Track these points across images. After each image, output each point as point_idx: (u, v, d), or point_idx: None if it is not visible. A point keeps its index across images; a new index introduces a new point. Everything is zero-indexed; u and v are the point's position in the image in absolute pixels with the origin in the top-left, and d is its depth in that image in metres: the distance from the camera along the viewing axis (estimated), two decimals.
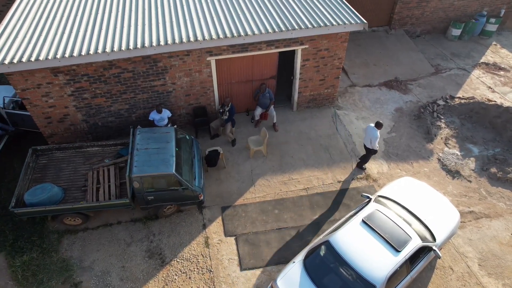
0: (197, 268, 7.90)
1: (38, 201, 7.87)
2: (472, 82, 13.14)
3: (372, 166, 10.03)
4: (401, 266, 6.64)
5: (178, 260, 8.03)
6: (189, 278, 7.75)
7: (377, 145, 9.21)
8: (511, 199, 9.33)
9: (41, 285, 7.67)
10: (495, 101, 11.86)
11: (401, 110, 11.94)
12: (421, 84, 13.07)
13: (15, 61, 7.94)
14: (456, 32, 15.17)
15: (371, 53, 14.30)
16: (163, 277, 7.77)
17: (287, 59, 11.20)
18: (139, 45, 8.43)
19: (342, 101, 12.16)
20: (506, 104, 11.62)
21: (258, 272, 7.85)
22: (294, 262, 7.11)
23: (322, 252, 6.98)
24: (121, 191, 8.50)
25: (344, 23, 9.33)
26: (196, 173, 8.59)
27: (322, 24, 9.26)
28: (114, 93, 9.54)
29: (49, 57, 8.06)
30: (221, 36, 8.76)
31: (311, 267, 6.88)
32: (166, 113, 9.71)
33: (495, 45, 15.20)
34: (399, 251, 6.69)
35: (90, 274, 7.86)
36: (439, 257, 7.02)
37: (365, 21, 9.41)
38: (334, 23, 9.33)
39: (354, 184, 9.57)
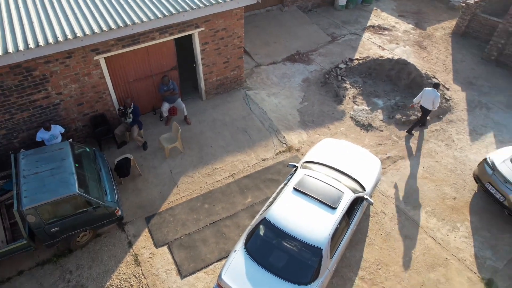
0: None
1: None
2: (365, 44, 13.98)
3: (292, 137, 9.99)
4: (340, 222, 6.59)
5: None
6: None
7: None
8: (416, 138, 10.07)
9: None
10: (386, 57, 12.74)
11: (308, 80, 12.16)
12: (321, 53, 13.50)
13: None
14: (342, 1, 16.10)
15: (270, 32, 14.37)
16: None
17: (185, 46, 10.54)
18: (0, 52, 6.95)
19: (251, 81, 11.96)
20: (396, 57, 12.54)
21: (201, 274, 7.18)
22: (235, 250, 6.61)
23: (261, 232, 6.61)
24: (13, 233, 7.01)
25: None
26: (107, 187, 7.50)
27: (214, 2, 8.80)
28: None
29: None
30: (104, 28, 7.71)
31: (254, 250, 6.46)
32: (58, 129, 8.38)
33: (376, 9, 16.45)
34: (335, 208, 6.63)
35: None
36: (372, 204, 7.17)
37: None
38: None
39: (278, 158, 9.40)
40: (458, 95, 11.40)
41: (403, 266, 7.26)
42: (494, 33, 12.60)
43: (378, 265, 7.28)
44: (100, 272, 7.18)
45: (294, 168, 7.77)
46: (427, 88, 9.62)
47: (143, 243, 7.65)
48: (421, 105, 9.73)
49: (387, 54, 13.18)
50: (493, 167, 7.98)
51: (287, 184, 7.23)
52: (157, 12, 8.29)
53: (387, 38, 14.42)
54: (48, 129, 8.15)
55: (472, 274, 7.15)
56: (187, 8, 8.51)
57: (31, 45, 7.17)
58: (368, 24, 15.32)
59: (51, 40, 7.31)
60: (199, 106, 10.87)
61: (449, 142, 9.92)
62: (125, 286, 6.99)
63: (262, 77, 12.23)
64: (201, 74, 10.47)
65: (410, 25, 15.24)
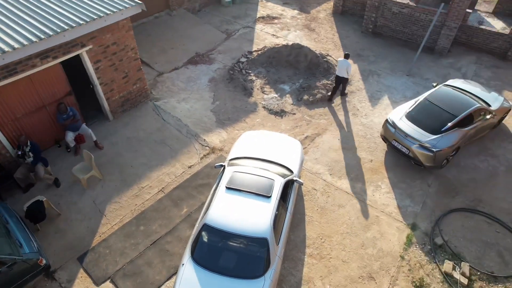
0: None
1: None
2: (259, 35, 14.52)
3: (213, 138, 9.98)
4: (277, 209, 6.81)
5: None
6: None
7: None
8: (326, 114, 10.88)
9: None
10: (282, 44, 13.42)
11: (214, 79, 12.22)
12: (220, 50, 13.66)
13: None
14: None
15: (164, 39, 14.03)
16: None
17: (77, 68, 9.71)
18: None
19: (157, 91, 11.57)
20: (290, 43, 13.30)
21: None
22: (183, 264, 6.42)
23: (205, 238, 6.52)
24: None
25: (120, 9, 8.57)
26: (20, 239, 6.59)
27: (96, 17, 8.25)
28: None
29: None
30: None
31: (202, 258, 6.35)
32: None
33: (262, 1, 17.16)
34: (269, 197, 6.83)
35: None
36: (302, 184, 7.55)
37: (140, 1, 8.88)
38: (109, 12, 8.46)
39: (204, 162, 9.32)
40: (352, 68, 12.57)
41: (343, 233, 7.84)
42: (366, 9, 14.17)
43: (321, 239, 7.74)
44: None
45: (222, 168, 7.78)
46: (340, 58, 10.75)
47: (82, 285, 6.96)
48: (336, 75, 10.84)
49: (281, 41, 13.89)
50: (394, 125, 9.02)
51: (219, 185, 7.22)
52: (30, 36, 7.45)
53: (278, 26, 15.19)
54: None
55: (399, 223, 8.03)
56: (66, 27, 7.83)
57: None
58: (258, 15, 15.94)
59: None
60: (108, 127, 10.16)
61: (354, 112, 10.93)
62: None
63: (168, 85, 11.93)
64: (101, 94, 9.78)
65: (296, 11, 16.27)
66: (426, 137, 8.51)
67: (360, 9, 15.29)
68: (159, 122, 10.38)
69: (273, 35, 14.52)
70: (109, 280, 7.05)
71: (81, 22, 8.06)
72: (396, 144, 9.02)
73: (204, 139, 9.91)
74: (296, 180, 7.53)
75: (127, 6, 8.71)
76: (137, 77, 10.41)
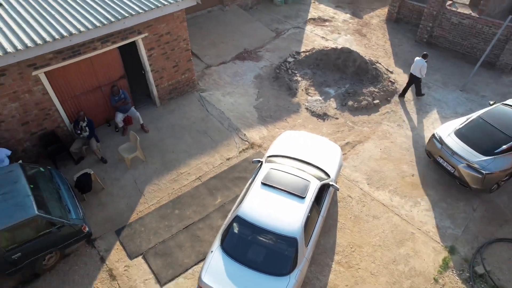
0: None
1: None
2: (309, 36, 14.47)
3: (253, 134, 10.12)
4: (310, 211, 6.81)
5: None
6: None
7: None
8: (370, 122, 10.65)
9: None
10: (331, 47, 13.29)
11: (260, 76, 12.35)
12: (269, 48, 13.76)
13: None
14: None
15: (215, 33, 14.36)
16: None
17: (132, 54, 10.22)
18: None
19: (203, 83, 11.89)
20: (340, 46, 13.13)
21: (181, 279, 7.09)
22: (212, 251, 6.60)
23: (235, 229, 6.66)
24: None
25: (176, 1, 8.91)
26: (69, 205, 7.13)
27: (153, 7, 8.64)
28: None
29: None
30: (38, 42, 7.25)
31: (231, 248, 6.50)
32: (3, 152, 7.78)
33: (314, 2, 17.06)
34: (304, 197, 6.84)
35: None
36: (338, 189, 7.48)
37: None
38: (166, 3, 8.83)
39: (242, 156, 9.48)
40: (401, 77, 12.22)
41: (375, 245, 7.66)
42: (422, 18, 13.65)
43: (351, 248, 7.63)
44: None
45: (259, 164, 7.88)
46: (417, 57, 10.74)
47: (116, 256, 7.38)
48: (410, 73, 10.85)
49: (331, 44, 13.75)
50: (441, 141, 8.66)
51: (255, 180, 7.33)
52: (95, 21, 7.98)
53: (329, 29, 15.04)
54: None
55: (436, 244, 7.69)
56: (126, 15, 8.28)
57: None
58: (309, 17, 15.87)
59: None
60: (154, 113, 10.62)
61: (400, 123, 10.61)
62: None
63: (214, 78, 12.22)
64: (151, 81, 10.23)
65: (348, 15, 16.02)
66: (475, 157, 8.09)
67: (416, 17, 14.77)
68: (203, 112, 10.69)
69: (323, 37, 14.41)
70: (141, 256, 7.41)
71: (140, 10, 8.48)
72: (441, 161, 8.66)
73: (245, 134, 10.08)
74: (332, 185, 7.48)
75: None
76: (186, 68, 10.77)
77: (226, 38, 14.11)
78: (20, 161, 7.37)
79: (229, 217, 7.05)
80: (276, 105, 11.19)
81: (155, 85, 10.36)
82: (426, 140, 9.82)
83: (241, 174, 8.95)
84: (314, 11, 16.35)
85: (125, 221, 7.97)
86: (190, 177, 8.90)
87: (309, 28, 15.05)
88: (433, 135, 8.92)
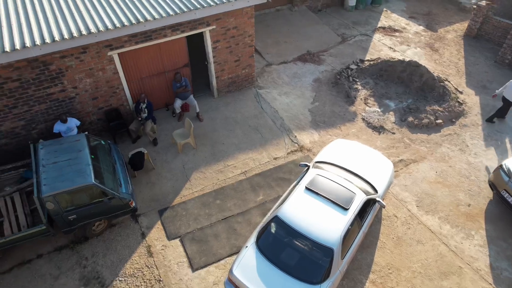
0: (144, 282, 7.03)
1: None
2: (376, 45, 13.97)
3: (304, 137, 10.02)
4: (352, 224, 6.61)
5: (120, 278, 7.07)
6: None
7: None
8: (429, 141, 10.04)
9: None
10: (398, 58, 12.71)
11: (319, 80, 12.18)
12: (332, 53, 13.51)
13: None
14: (352, 2, 16.05)
15: (280, 32, 14.40)
16: None
17: (197, 44, 10.60)
18: (18, 46, 7.03)
19: (262, 80, 12.00)
20: (407, 59, 12.51)
21: (212, 268, 7.26)
22: (246, 247, 6.67)
23: (273, 229, 6.66)
24: (34, 218, 7.20)
25: None
26: (121, 179, 7.63)
27: (225, 1, 8.86)
28: (1, 109, 8.03)
29: None
30: (117, 25, 7.81)
31: (265, 247, 6.52)
32: (74, 122, 8.51)
33: (386, 11, 16.41)
34: (347, 209, 6.66)
35: None
36: (384, 206, 7.18)
37: None
38: None
39: (290, 157, 9.44)
40: (471, 99, 11.36)
41: (415, 272, 7.24)
42: (508, 36, 12.52)
43: (389, 269, 7.28)
44: (114, 261, 7.33)
45: (306, 168, 7.80)
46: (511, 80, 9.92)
47: (156, 235, 7.76)
48: (503, 96, 10.04)
49: (398, 56, 13.15)
50: (509, 174, 7.92)
51: (299, 183, 7.27)
52: (168, 10, 8.37)
53: (398, 39, 14.39)
54: (64, 121, 8.28)
55: (487, 285, 7.06)
56: (198, 6, 8.58)
57: (47, 40, 7.31)
58: (379, 25, 15.30)
59: (66, 36, 7.44)
60: (211, 103, 10.94)
61: (463, 147, 9.88)
62: (138, 276, 7.11)
63: (273, 76, 12.27)
64: (213, 72, 10.53)
65: (421, 27, 15.19)
66: None
67: (500, 35, 13.57)
68: (257, 109, 10.79)
69: (390, 47, 13.82)
70: (178, 239, 7.71)
71: (212, 3, 8.74)
72: (506, 195, 7.92)
73: (295, 136, 10.02)
74: (378, 201, 7.18)
75: None
76: (247, 63, 10.94)
77: (290, 38, 14.09)
78: (86, 132, 8.00)
79: (268, 216, 7.07)
80: (332, 111, 10.97)
81: (215, 77, 10.66)
82: (491, 170, 9.04)
83: (285, 176, 8.92)
84: (385, 19, 15.74)
85: (169, 203, 8.32)
86: (235, 170, 9.05)
87: (377, 36, 14.52)
88: (501, 166, 8.18)
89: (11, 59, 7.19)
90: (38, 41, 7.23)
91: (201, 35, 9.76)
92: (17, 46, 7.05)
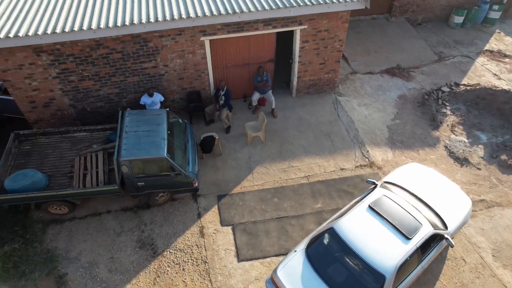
0: (191, 259, 7.35)
1: (19, 188, 7.28)
2: (477, 69, 12.68)
3: (376, 153, 9.53)
4: (411, 255, 6.14)
5: (171, 250, 7.49)
6: (183, 269, 7.21)
7: None
8: None
9: (23, 277, 7.10)
10: (502, 88, 11.40)
11: (405, 97, 11.45)
12: (424, 71, 12.59)
13: None
14: (459, 19, 14.70)
15: (372, 41, 13.81)
16: (154, 268, 7.22)
17: (285, 42, 10.64)
18: (127, 22, 7.81)
19: (343, 87, 11.65)
20: None
21: (256, 263, 7.32)
22: (295, 251, 6.59)
23: (325, 240, 6.47)
24: (110, 177, 7.94)
25: (346, 1, 8.81)
26: (190, 158, 8.04)
27: (322, 2, 8.73)
28: (103, 75, 8.96)
29: (30, 34, 7.45)
30: (214, 13, 8.17)
31: (314, 256, 6.37)
32: (158, 97, 9.16)
33: (499, 32, 14.77)
34: (410, 239, 6.19)
35: (77, 265, 7.31)
36: (452, 246, 6.53)
37: None
38: (335, 0, 8.81)
39: (357, 171, 9.06)
40: None
41: None
42: None
43: None
44: (168, 232, 7.79)
45: (373, 186, 7.42)
46: None
47: (211, 218, 8.04)
48: None
49: (503, 85, 11.77)
50: None
51: (362, 200, 6.94)
52: (264, 4, 8.50)
53: (507, 66, 12.87)
54: (151, 95, 8.94)
55: None
56: (294, 4, 8.57)
57: (151, 19, 7.96)
58: (486, 47, 13.83)
59: (168, 17, 8.01)
60: (287, 102, 10.93)
61: None
62: (187, 252, 7.46)
63: (356, 85, 11.83)
64: (295, 71, 10.49)
65: None
66: None
67: None
68: (333, 116, 10.52)
69: (495, 74, 12.42)
70: (231, 227, 7.89)
71: (308, 3, 8.66)
72: None
73: (367, 151, 9.57)
74: (447, 238, 6.56)
75: (354, 0, 8.86)
76: (332, 68, 10.69)
77: (381, 49, 13.45)
78: (167, 109, 8.55)
79: (324, 225, 6.89)
80: (412, 132, 10.25)
81: (297, 76, 10.61)
82: None
83: (349, 189, 8.58)
84: (495, 42, 14.18)
85: (229, 190, 8.55)
86: (299, 173, 8.96)
87: (480, 60, 13.16)
88: None
89: (119, 33, 7.99)
90: (144, 19, 7.92)
91: (290, 33, 9.77)
92: (127, 22, 7.82)
